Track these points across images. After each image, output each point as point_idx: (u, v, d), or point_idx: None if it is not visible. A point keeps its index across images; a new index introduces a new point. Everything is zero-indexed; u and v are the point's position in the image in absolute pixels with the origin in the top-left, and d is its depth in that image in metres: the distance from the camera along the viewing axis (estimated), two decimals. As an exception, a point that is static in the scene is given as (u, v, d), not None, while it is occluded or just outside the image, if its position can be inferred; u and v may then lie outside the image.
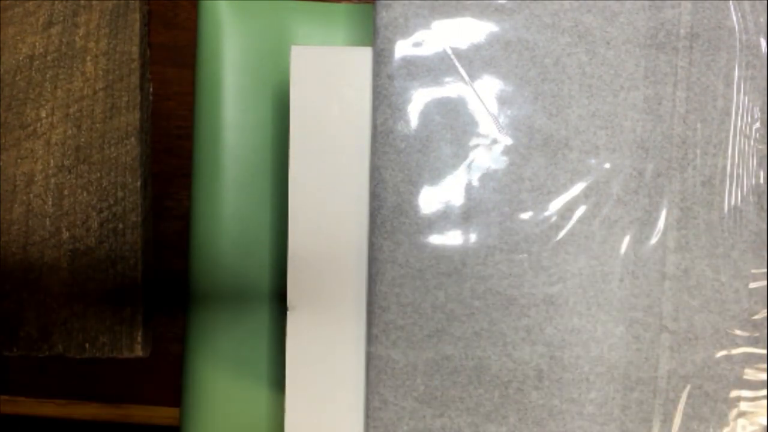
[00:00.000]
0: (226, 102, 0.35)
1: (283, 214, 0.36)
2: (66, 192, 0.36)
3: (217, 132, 0.35)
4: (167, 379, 0.38)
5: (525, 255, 0.25)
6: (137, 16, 0.36)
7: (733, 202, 0.26)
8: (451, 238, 0.25)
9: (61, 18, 0.36)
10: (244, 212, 0.35)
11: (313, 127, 0.27)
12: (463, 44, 0.26)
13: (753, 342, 0.25)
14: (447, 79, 0.26)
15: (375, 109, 0.25)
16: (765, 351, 0.26)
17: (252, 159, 0.36)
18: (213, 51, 0.35)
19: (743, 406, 0.26)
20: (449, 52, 0.25)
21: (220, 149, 0.35)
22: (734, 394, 0.26)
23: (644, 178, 0.26)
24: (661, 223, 0.26)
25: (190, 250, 0.36)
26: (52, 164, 0.36)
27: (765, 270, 0.26)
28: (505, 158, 0.26)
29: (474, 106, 0.25)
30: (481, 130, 0.26)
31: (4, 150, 0.36)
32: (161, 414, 0.38)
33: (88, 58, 0.36)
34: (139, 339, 0.36)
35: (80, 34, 0.36)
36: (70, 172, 0.36)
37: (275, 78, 0.36)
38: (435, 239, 0.26)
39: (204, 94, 0.36)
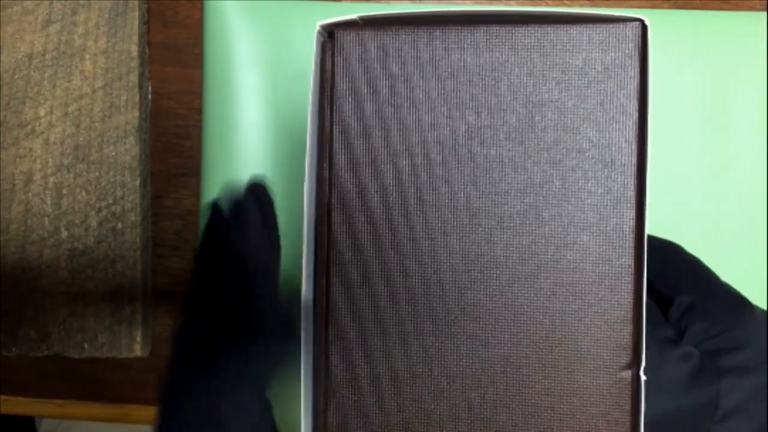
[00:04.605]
0: (235, 100, 0.35)
1: (291, 211, 0.35)
2: (65, 191, 0.36)
3: (227, 131, 0.35)
4: (166, 379, 0.37)
5: None
6: (136, 14, 0.36)
7: None
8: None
9: (60, 16, 0.36)
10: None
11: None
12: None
13: None
14: None
15: None
16: None
17: (261, 158, 0.35)
18: (220, 51, 0.35)
19: None
20: None
21: (230, 148, 0.35)
22: None
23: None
24: None
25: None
26: (50, 163, 0.36)
27: None
28: None
29: None
30: None
31: (2, 149, 0.36)
32: (160, 414, 0.38)
33: (87, 56, 0.36)
34: (139, 339, 0.36)
35: (79, 33, 0.36)
36: (68, 171, 0.36)
37: (282, 76, 0.35)
38: None
39: (213, 94, 0.36)
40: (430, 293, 0.22)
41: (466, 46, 0.22)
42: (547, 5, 0.37)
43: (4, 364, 0.38)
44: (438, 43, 0.22)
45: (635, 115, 0.21)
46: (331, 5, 0.35)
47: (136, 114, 0.36)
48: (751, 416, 0.22)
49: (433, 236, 0.22)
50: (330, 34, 0.23)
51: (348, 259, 0.23)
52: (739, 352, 0.22)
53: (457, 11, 0.22)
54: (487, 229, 0.22)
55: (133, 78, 0.36)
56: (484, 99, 0.22)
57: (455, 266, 0.22)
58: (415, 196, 0.22)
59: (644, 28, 0.21)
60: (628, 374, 0.21)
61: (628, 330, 0.21)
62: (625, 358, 0.21)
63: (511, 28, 0.22)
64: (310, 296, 0.23)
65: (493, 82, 0.22)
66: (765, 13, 0.34)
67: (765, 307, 0.24)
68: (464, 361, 0.22)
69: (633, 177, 0.21)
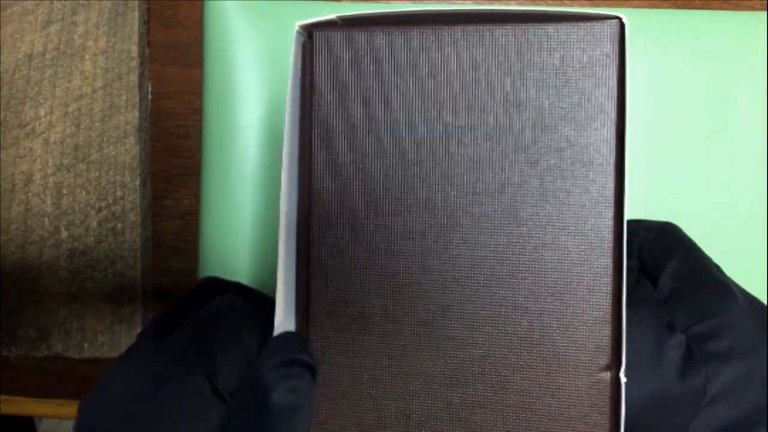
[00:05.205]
0: (235, 100, 0.35)
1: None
2: (65, 191, 0.36)
3: (228, 131, 0.35)
4: (166, 379, 0.37)
5: None
6: (136, 14, 0.36)
7: None
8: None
9: (60, 16, 0.36)
10: (253, 211, 0.35)
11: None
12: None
13: None
14: None
15: None
16: None
17: (261, 158, 0.35)
18: (220, 51, 0.35)
19: None
20: None
21: (230, 148, 0.35)
22: None
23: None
24: None
25: (199, 250, 0.36)
26: (50, 163, 0.36)
27: None
28: None
29: None
30: None
31: (2, 149, 0.36)
32: (160, 414, 0.38)
33: (87, 56, 0.36)
34: (139, 339, 0.36)
35: (79, 33, 0.36)
36: (68, 171, 0.36)
37: (282, 76, 0.35)
38: None
39: (213, 94, 0.36)
40: (409, 293, 0.22)
41: (443, 45, 0.22)
42: (547, 5, 0.37)
43: (4, 364, 0.38)
44: (416, 43, 0.22)
45: (613, 114, 0.21)
46: (331, 5, 0.35)
47: (136, 114, 0.36)
48: (736, 402, 0.22)
49: (411, 236, 0.22)
50: (309, 34, 0.23)
51: (327, 258, 0.23)
52: (722, 338, 0.22)
53: (435, 11, 0.22)
54: (464, 229, 0.22)
55: (133, 78, 0.36)
56: (461, 99, 0.22)
57: (433, 266, 0.22)
58: (393, 196, 0.22)
59: (622, 26, 0.21)
60: (607, 375, 0.21)
61: (606, 331, 0.21)
62: (604, 359, 0.21)
63: (488, 28, 0.22)
64: (291, 296, 0.23)
65: (470, 82, 0.22)
66: (765, 13, 0.34)
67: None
68: (442, 361, 0.22)
69: (612, 176, 0.21)
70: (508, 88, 0.22)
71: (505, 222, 0.22)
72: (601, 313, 0.21)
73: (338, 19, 0.22)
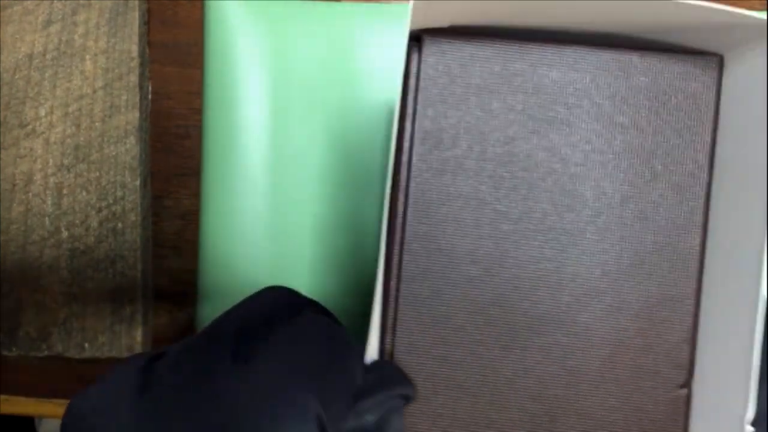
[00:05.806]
0: (235, 100, 0.35)
1: (292, 212, 0.35)
2: (65, 191, 0.36)
3: (228, 131, 0.35)
4: (167, 379, 0.37)
5: None
6: (137, 14, 0.36)
7: None
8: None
9: (61, 16, 0.36)
10: (253, 211, 0.35)
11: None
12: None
13: None
14: None
15: None
16: None
17: (261, 158, 0.35)
18: (221, 51, 0.35)
19: None
20: None
21: (231, 148, 0.35)
22: None
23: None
24: None
25: (200, 249, 0.36)
26: (51, 163, 0.36)
27: None
28: None
29: None
30: None
31: (3, 149, 0.36)
32: (161, 414, 0.38)
33: (88, 56, 0.36)
34: (139, 338, 0.36)
35: (79, 33, 0.36)
36: (69, 171, 0.36)
37: (282, 76, 0.35)
38: None
39: (214, 94, 0.36)
40: (501, 305, 0.23)
41: (552, 64, 0.23)
42: None
43: (4, 364, 0.38)
44: (526, 58, 0.23)
45: (709, 143, 0.22)
46: (331, 5, 0.35)
47: (137, 114, 0.36)
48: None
49: (507, 249, 0.23)
50: (416, 37, 0.23)
51: (421, 266, 0.23)
52: None
53: (546, 27, 0.23)
54: (560, 245, 0.23)
55: (134, 78, 0.36)
56: (566, 117, 0.23)
57: (524, 281, 0.23)
58: (492, 208, 0.23)
59: (722, 61, 0.22)
60: (684, 392, 0.22)
61: (686, 350, 0.22)
62: (683, 376, 0.22)
63: (597, 52, 0.22)
64: (381, 294, 0.23)
65: (575, 101, 0.22)
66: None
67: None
68: (529, 372, 0.23)
69: (702, 202, 0.22)
70: (612, 111, 0.22)
71: (599, 240, 0.23)
72: (682, 333, 0.22)
73: (449, 26, 0.23)
